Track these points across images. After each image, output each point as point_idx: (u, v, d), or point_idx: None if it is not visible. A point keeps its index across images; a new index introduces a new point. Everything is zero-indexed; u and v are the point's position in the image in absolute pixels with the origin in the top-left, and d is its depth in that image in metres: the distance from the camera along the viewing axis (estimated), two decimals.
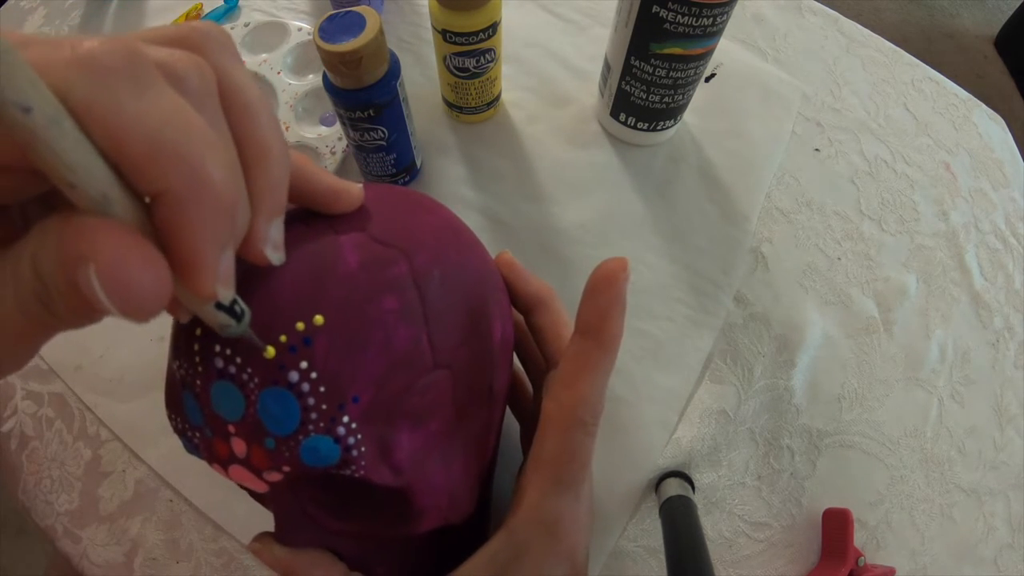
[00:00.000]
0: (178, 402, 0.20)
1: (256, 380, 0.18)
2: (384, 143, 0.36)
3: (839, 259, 0.41)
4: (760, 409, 0.36)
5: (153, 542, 0.33)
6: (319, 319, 0.18)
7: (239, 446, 0.19)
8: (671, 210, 0.41)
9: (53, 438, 0.36)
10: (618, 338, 0.20)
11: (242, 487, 0.22)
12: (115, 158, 0.12)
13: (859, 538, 0.34)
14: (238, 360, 0.18)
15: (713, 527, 0.34)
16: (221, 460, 0.20)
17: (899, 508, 0.35)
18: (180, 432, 0.21)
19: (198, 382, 0.19)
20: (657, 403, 0.36)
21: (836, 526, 0.33)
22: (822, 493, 0.35)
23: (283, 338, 0.18)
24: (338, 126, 0.42)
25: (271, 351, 0.18)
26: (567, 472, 0.21)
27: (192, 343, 0.19)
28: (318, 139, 0.41)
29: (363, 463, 0.19)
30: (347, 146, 0.41)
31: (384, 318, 0.19)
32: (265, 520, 0.33)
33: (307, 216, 0.20)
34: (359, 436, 0.19)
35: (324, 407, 0.18)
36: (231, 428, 0.19)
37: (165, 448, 0.35)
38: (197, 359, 0.19)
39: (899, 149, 0.46)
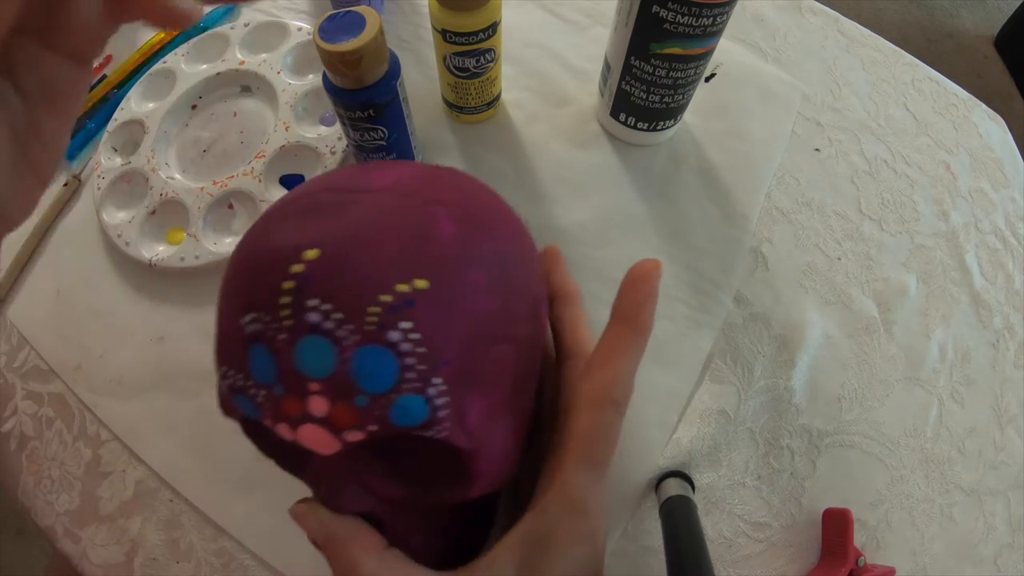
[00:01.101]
0: (240, 358, 0.20)
1: (355, 338, 0.18)
2: (384, 143, 0.36)
3: (839, 259, 0.41)
4: (760, 409, 0.36)
5: (153, 542, 0.33)
6: (422, 283, 0.19)
7: (319, 404, 0.19)
8: (671, 210, 0.41)
9: (53, 438, 0.36)
10: (650, 327, 0.22)
11: (281, 453, 0.24)
12: None
13: (859, 538, 0.34)
14: (337, 316, 0.18)
15: (713, 527, 0.34)
16: (291, 419, 0.20)
17: (899, 508, 0.35)
18: (237, 390, 0.21)
19: (281, 336, 0.19)
20: (657, 403, 0.36)
21: (836, 526, 0.33)
22: (822, 493, 0.35)
23: (386, 297, 0.19)
24: (338, 126, 0.42)
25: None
26: (598, 450, 0.22)
27: (278, 296, 0.19)
28: (318, 139, 0.41)
29: (447, 424, 0.20)
30: (347, 146, 0.41)
31: (474, 288, 0.20)
32: (265, 521, 0.33)
33: (402, 190, 0.21)
34: (447, 398, 0.20)
35: (421, 367, 0.19)
36: (314, 385, 0.19)
37: (165, 448, 0.35)
38: (284, 312, 0.19)
39: (899, 149, 0.46)
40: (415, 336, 0.19)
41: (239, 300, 0.20)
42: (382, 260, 0.19)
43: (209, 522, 0.33)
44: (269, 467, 0.34)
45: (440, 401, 0.20)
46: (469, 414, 0.21)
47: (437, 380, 0.19)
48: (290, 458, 0.26)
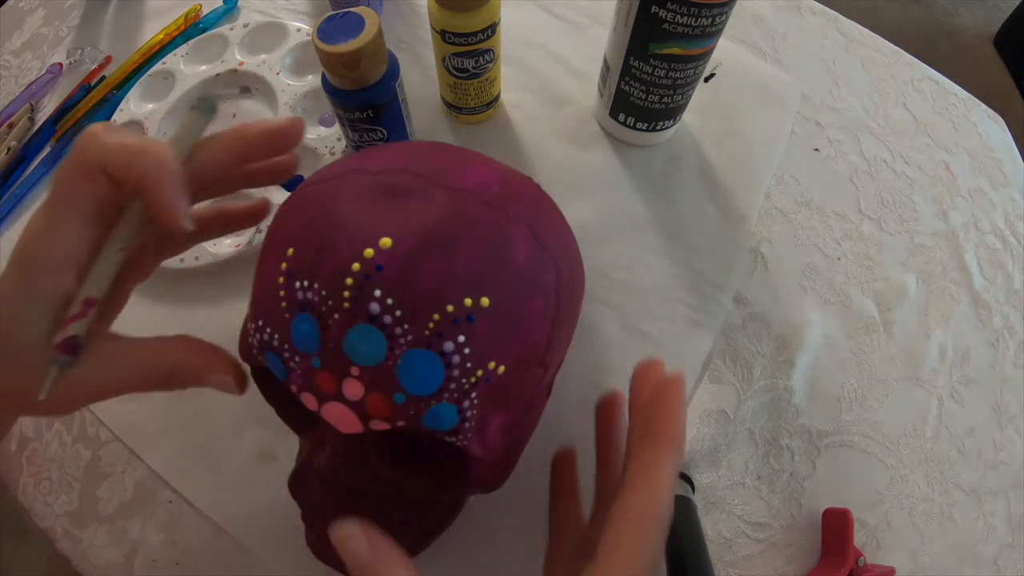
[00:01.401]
0: (282, 318, 0.20)
1: (409, 338, 0.19)
2: (383, 143, 0.36)
3: (839, 259, 0.41)
4: (760, 409, 0.36)
5: (153, 543, 0.33)
6: (485, 301, 0.19)
7: (355, 388, 0.19)
8: (670, 210, 0.41)
9: (53, 439, 0.36)
10: (685, 436, 0.22)
11: (287, 407, 0.24)
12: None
13: (859, 538, 0.34)
14: (398, 313, 0.19)
15: (713, 527, 0.34)
16: (320, 394, 0.20)
17: (899, 508, 0.35)
18: (268, 347, 0.21)
19: (337, 316, 0.19)
20: None
21: (836, 526, 0.33)
22: (822, 493, 0.35)
23: (450, 308, 0.19)
24: (337, 127, 0.42)
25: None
26: (643, 568, 0.21)
27: (343, 275, 0.19)
28: (317, 140, 0.41)
29: (470, 435, 0.20)
30: (346, 147, 0.41)
31: (531, 314, 0.21)
32: (265, 521, 0.33)
33: (486, 197, 0.21)
34: (476, 411, 0.20)
35: (464, 381, 0.19)
36: (355, 370, 0.19)
37: (165, 448, 0.35)
38: (346, 294, 0.19)
39: (898, 149, 0.46)
40: (467, 351, 0.19)
41: (296, 261, 0.20)
42: (455, 270, 0.19)
43: (209, 522, 0.33)
44: (269, 467, 0.34)
45: (470, 413, 0.20)
46: (489, 427, 0.21)
47: (474, 395, 0.20)
48: (295, 416, 0.26)
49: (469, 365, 0.19)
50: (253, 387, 0.36)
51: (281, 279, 0.20)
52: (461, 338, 0.19)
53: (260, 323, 0.21)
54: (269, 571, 0.32)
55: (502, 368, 0.20)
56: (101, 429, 0.36)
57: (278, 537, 0.32)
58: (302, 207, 0.22)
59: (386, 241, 0.19)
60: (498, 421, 0.21)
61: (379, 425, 0.20)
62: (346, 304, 0.19)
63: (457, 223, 0.20)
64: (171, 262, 0.38)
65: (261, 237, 0.38)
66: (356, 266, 0.19)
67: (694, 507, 0.32)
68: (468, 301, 0.19)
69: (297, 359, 0.20)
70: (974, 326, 0.41)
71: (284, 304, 0.20)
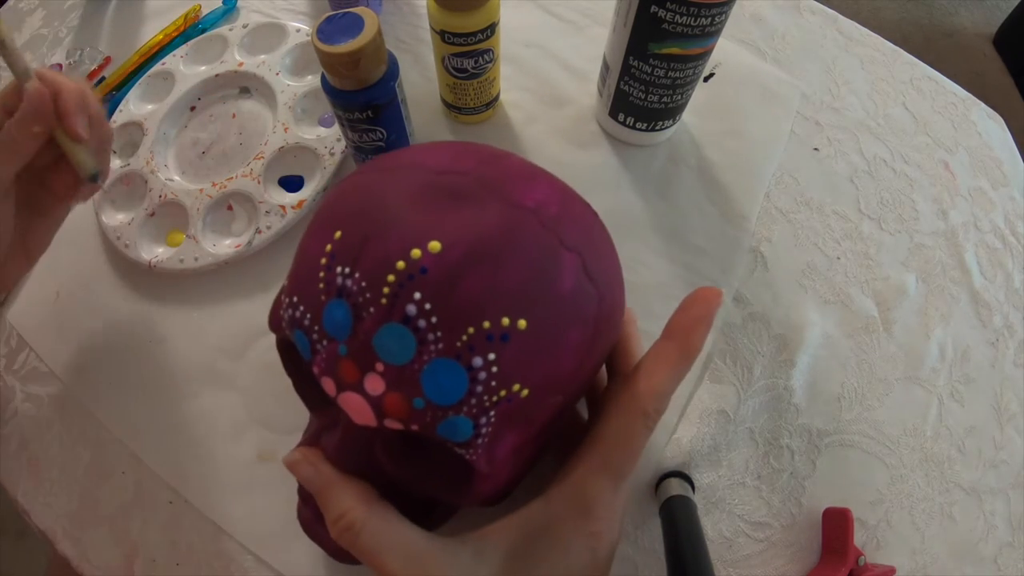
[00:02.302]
0: (317, 299, 0.20)
1: (440, 346, 0.18)
2: (383, 144, 0.36)
3: (838, 258, 0.41)
4: (760, 409, 0.36)
5: (153, 543, 0.33)
6: (523, 323, 0.19)
7: (376, 384, 0.19)
8: (670, 210, 0.41)
9: (53, 440, 0.36)
10: (698, 349, 0.22)
11: (305, 383, 0.25)
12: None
13: (859, 537, 0.34)
14: (433, 319, 0.18)
15: (713, 527, 0.34)
16: (340, 381, 0.20)
17: (899, 507, 0.35)
18: (299, 325, 0.21)
19: (372, 309, 0.19)
20: None
21: (836, 525, 0.33)
22: (822, 492, 0.35)
23: (487, 324, 0.19)
24: (337, 127, 0.42)
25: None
26: (617, 456, 0.22)
27: (386, 271, 0.19)
28: (317, 140, 0.41)
29: (480, 450, 0.20)
30: (346, 147, 0.41)
31: (565, 345, 0.20)
32: (265, 521, 0.33)
33: (543, 218, 0.21)
34: (491, 428, 0.20)
35: (486, 398, 0.19)
36: (379, 366, 0.19)
37: (165, 449, 0.35)
38: (386, 290, 0.19)
39: (898, 148, 0.46)
40: (495, 369, 0.19)
41: (341, 246, 0.20)
42: (499, 287, 0.19)
43: (209, 523, 0.33)
44: (269, 468, 0.34)
45: (485, 429, 0.20)
46: (501, 445, 0.21)
47: (493, 413, 0.20)
48: (311, 394, 0.26)
49: (494, 384, 0.19)
50: (253, 387, 0.36)
51: (323, 260, 0.20)
52: (491, 356, 0.19)
53: (295, 299, 0.21)
54: (269, 571, 0.32)
55: (525, 392, 0.20)
56: (101, 430, 0.36)
57: (278, 537, 0.32)
58: (358, 192, 0.21)
59: (435, 245, 0.19)
60: (510, 441, 0.21)
61: (393, 424, 0.20)
62: (383, 300, 0.19)
63: (509, 239, 0.20)
64: (171, 263, 0.38)
65: (261, 238, 0.38)
66: (401, 264, 0.19)
67: (694, 507, 0.32)
68: (506, 320, 0.19)
69: (324, 343, 0.20)
70: (974, 325, 0.41)
71: (322, 286, 0.20)
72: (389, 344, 0.19)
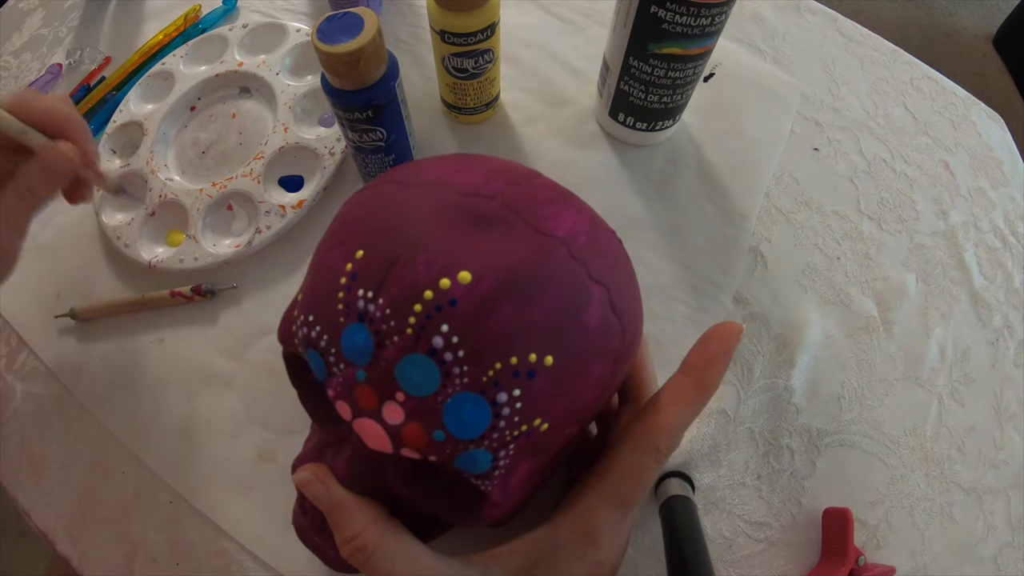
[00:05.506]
0: (336, 323, 0.19)
1: (465, 380, 0.18)
2: (383, 144, 0.36)
3: (838, 258, 0.41)
4: (760, 409, 0.36)
5: (153, 543, 0.33)
6: (550, 359, 0.19)
7: (395, 413, 0.19)
8: (670, 210, 0.41)
9: (53, 440, 0.36)
10: (715, 386, 0.22)
11: (313, 398, 0.24)
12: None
13: (859, 537, 0.34)
14: (460, 353, 0.18)
15: (713, 527, 0.34)
16: (357, 407, 0.19)
17: (899, 507, 0.35)
18: (314, 345, 0.20)
19: (396, 338, 0.18)
20: None
21: (836, 525, 0.33)
22: (822, 493, 0.35)
23: (514, 360, 0.18)
24: (337, 127, 0.42)
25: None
26: (627, 488, 0.22)
27: (413, 301, 0.18)
28: (317, 140, 0.41)
29: (496, 482, 0.20)
30: (346, 147, 0.41)
31: (588, 379, 0.20)
32: (265, 522, 0.33)
33: (573, 249, 0.21)
34: (508, 461, 0.20)
35: (508, 432, 0.19)
36: (400, 396, 0.18)
37: (165, 449, 0.35)
38: (412, 320, 0.18)
39: (898, 148, 0.46)
40: (519, 405, 0.19)
41: (364, 266, 0.19)
42: (528, 322, 0.19)
43: (209, 523, 0.33)
44: (269, 468, 0.34)
45: (503, 462, 0.20)
46: (515, 476, 0.21)
47: (513, 446, 0.19)
48: (318, 409, 0.26)
49: (517, 419, 0.19)
50: (253, 388, 0.36)
51: (343, 280, 0.19)
52: (517, 392, 0.18)
53: (311, 318, 0.20)
54: (269, 571, 0.32)
55: (546, 426, 0.20)
56: (101, 430, 0.36)
57: (278, 538, 0.32)
58: (380, 207, 0.21)
59: (465, 276, 0.18)
60: (524, 470, 0.21)
61: (410, 454, 0.19)
62: (409, 331, 0.18)
63: (540, 271, 0.19)
64: (171, 263, 0.38)
65: (261, 238, 0.38)
66: (429, 294, 0.18)
67: (694, 507, 0.32)
68: (533, 356, 0.18)
69: (342, 366, 0.19)
70: (974, 325, 0.41)
71: (341, 307, 0.19)
72: (412, 375, 0.18)
